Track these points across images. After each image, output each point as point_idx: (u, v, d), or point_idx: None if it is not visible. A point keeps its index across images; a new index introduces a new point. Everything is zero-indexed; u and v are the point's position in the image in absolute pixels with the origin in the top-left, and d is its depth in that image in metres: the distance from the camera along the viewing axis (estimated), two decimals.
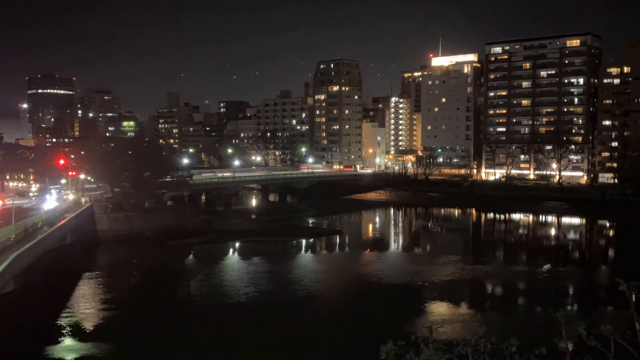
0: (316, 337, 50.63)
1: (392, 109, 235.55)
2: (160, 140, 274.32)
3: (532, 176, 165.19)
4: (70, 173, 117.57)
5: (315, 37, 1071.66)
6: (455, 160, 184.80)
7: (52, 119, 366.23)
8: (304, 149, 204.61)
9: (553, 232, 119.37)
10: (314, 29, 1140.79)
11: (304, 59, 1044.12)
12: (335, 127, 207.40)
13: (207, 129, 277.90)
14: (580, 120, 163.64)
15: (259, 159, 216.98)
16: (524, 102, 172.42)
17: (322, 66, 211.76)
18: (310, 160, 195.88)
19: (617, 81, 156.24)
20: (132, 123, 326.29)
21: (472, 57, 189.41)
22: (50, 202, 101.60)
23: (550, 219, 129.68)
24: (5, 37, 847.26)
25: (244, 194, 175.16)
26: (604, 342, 11.81)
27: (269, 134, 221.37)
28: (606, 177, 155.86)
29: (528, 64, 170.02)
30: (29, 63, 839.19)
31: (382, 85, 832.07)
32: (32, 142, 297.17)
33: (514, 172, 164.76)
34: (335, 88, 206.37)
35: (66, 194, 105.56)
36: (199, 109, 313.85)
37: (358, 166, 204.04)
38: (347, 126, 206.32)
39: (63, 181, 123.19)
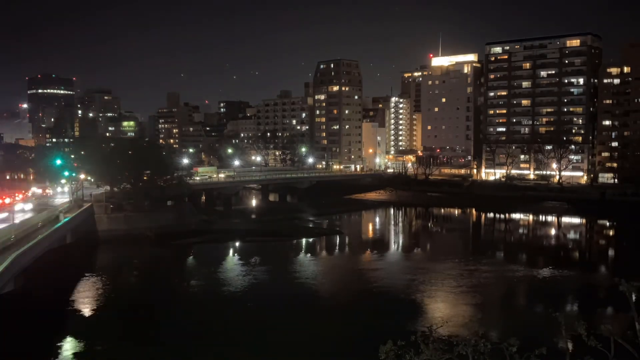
0: (316, 337, 50.60)
1: (392, 109, 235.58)
2: (160, 140, 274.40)
3: (532, 176, 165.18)
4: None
5: (315, 37, 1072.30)
6: (455, 160, 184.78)
7: (52, 119, 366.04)
8: (304, 149, 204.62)
9: (553, 232, 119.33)
10: (314, 29, 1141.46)
11: (304, 59, 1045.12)
12: (335, 127, 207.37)
13: (207, 129, 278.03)
14: (580, 120, 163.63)
15: (259, 159, 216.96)
16: (524, 102, 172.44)
17: (322, 66, 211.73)
18: (310, 160, 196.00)
19: (617, 81, 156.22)
20: (132, 123, 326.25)
21: (472, 57, 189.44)
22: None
23: (550, 219, 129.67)
24: (5, 37, 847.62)
25: (244, 194, 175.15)
26: (604, 342, 11.82)
27: (269, 134, 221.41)
28: (606, 177, 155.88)
29: (528, 64, 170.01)
30: (29, 63, 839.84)
31: (382, 85, 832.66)
32: (32, 142, 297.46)
33: (514, 172, 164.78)
34: (335, 88, 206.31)
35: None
36: (199, 109, 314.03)
37: (358, 166, 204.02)
38: (347, 126, 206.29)
39: (63, 181, 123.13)
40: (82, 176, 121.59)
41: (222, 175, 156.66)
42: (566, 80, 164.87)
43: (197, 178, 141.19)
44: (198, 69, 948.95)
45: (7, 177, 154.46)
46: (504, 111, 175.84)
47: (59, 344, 49.22)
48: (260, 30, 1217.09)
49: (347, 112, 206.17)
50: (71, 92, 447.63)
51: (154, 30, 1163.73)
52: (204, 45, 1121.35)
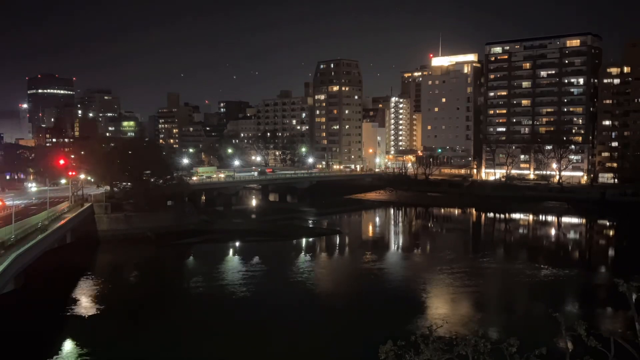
0: (315, 337, 50.64)
1: (392, 109, 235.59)
2: (160, 140, 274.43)
3: (532, 176, 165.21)
4: (70, 173, 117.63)
5: (315, 37, 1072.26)
6: (455, 160, 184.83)
7: (52, 119, 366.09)
8: (304, 149, 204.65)
9: (553, 232, 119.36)
10: (314, 29, 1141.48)
11: (304, 59, 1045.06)
12: (335, 127, 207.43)
13: (207, 129, 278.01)
14: (580, 120, 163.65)
15: (259, 159, 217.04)
16: (524, 102, 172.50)
17: (322, 66, 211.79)
18: (310, 160, 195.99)
19: (617, 81, 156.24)
20: (132, 123, 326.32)
21: (472, 57, 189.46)
22: None
23: (550, 219, 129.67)
24: (5, 37, 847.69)
25: (244, 194, 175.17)
26: (604, 342, 11.83)
27: (269, 134, 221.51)
28: (606, 177, 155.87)
29: (528, 64, 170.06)
30: (29, 63, 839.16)
31: (382, 85, 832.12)
32: (32, 142, 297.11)
33: (514, 172, 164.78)
34: (335, 88, 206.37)
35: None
36: (199, 109, 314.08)
37: (358, 166, 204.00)
38: (347, 126, 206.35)
39: (63, 181, 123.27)
40: (82, 176, 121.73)
41: (222, 175, 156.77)
42: (566, 80, 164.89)
43: (194, 178, 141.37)
44: (198, 69, 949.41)
45: (7, 177, 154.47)
46: (504, 111, 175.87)
47: (58, 344, 49.23)
48: (261, 30, 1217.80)
49: (347, 112, 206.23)
50: (71, 92, 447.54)
51: (154, 30, 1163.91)
52: (204, 45, 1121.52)
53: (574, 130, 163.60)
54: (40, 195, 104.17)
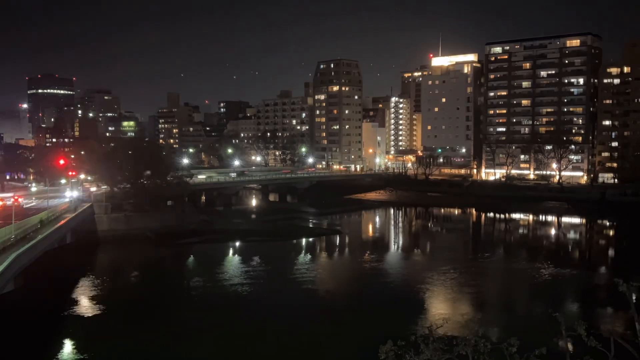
0: (315, 338, 50.63)
1: (392, 109, 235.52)
2: (160, 140, 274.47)
3: (532, 176, 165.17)
4: (70, 173, 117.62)
5: (315, 37, 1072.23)
6: (455, 160, 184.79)
7: (52, 119, 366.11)
8: (304, 149, 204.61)
9: (553, 232, 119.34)
10: (314, 29, 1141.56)
11: (304, 59, 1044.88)
12: (335, 127, 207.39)
13: (207, 129, 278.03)
14: (580, 120, 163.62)
15: (259, 159, 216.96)
16: (524, 102, 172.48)
17: (322, 66, 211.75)
18: (310, 160, 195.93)
19: (617, 81, 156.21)
20: (132, 123, 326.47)
21: (472, 57, 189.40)
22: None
23: (550, 219, 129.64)
24: (5, 37, 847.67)
25: (244, 194, 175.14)
26: (604, 342, 11.83)
27: (269, 134, 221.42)
28: (606, 177, 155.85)
29: (528, 64, 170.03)
30: (29, 63, 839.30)
31: (382, 85, 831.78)
32: (32, 142, 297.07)
33: (514, 172, 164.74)
34: (335, 88, 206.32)
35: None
36: (199, 109, 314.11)
37: (358, 166, 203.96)
38: (347, 126, 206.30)
39: (63, 181, 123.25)
40: (82, 176, 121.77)
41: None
42: (566, 80, 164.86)
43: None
44: (198, 69, 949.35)
45: (7, 177, 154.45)
46: (504, 111, 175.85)
47: (58, 344, 49.20)
48: (261, 30, 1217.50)
49: (347, 112, 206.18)
50: (71, 92, 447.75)
51: (154, 30, 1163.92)
52: (204, 45, 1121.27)
53: (574, 130, 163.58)
54: (40, 195, 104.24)
